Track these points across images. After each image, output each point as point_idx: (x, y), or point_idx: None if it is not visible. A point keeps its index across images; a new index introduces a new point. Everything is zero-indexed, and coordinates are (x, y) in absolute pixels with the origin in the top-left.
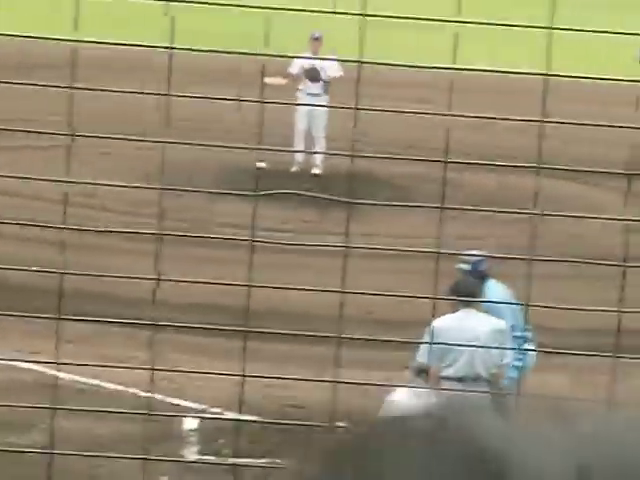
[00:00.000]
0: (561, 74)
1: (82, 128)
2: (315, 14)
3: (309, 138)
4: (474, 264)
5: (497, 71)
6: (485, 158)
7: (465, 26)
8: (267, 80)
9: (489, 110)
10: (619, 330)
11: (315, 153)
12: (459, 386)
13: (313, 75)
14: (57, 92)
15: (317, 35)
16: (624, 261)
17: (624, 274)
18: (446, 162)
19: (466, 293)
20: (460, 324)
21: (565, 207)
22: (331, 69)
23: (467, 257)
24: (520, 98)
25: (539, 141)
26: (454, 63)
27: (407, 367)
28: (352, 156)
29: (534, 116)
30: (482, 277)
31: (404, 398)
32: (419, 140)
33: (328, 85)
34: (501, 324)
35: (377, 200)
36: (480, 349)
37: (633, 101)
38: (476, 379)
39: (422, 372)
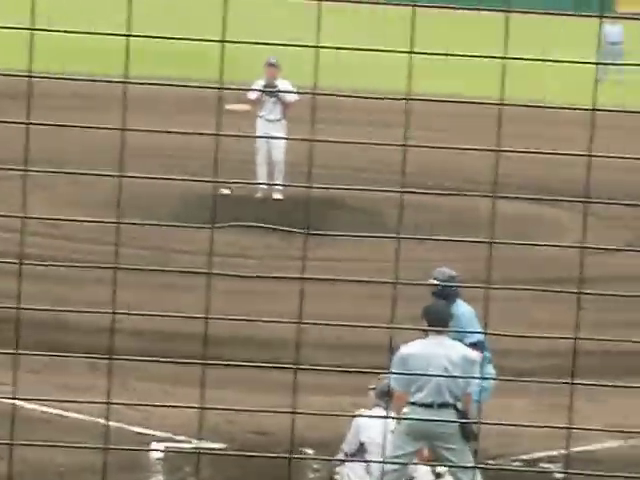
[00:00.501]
0: (516, 104)
1: (43, 157)
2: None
3: (270, 163)
4: (444, 282)
5: (452, 101)
6: (451, 180)
7: (420, 50)
8: (229, 107)
9: (447, 131)
10: (575, 353)
11: (275, 184)
12: (426, 412)
13: (272, 91)
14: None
15: (272, 61)
16: (580, 284)
17: (578, 299)
18: (402, 192)
19: (437, 318)
20: (429, 351)
21: (535, 229)
22: (288, 94)
23: (438, 274)
24: (476, 120)
25: (496, 164)
26: (409, 87)
27: (371, 389)
28: (309, 187)
29: (490, 138)
30: (451, 296)
31: (370, 422)
32: (380, 163)
33: (286, 110)
34: (469, 353)
35: (343, 224)
36: (447, 376)
37: (586, 120)
38: (443, 405)
39: (386, 395)
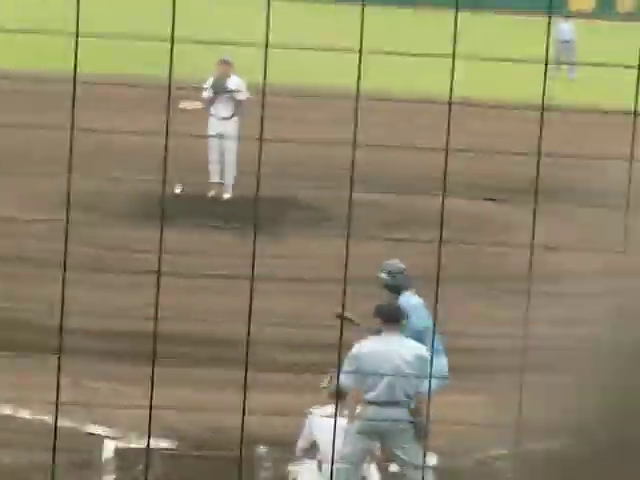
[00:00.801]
0: (481, 104)
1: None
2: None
3: (222, 161)
4: (393, 275)
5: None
6: (397, 178)
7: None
8: (182, 105)
9: (401, 128)
10: (524, 349)
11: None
12: (379, 410)
13: (221, 88)
14: None
15: (226, 58)
16: (528, 281)
17: (529, 294)
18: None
19: (390, 316)
20: (382, 349)
21: (483, 227)
22: (239, 92)
23: (388, 267)
24: (430, 117)
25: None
26: (358, 86)
27: (324, 387)
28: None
29: (453, 134)
30: (401, 288)
31: (324, 420)
32: (335, 160)
33: (239, 107)
34: (423, 351)
35: (292, 222)
36: (400, 375)
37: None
38: (396, 403)
39: (338, 394)
